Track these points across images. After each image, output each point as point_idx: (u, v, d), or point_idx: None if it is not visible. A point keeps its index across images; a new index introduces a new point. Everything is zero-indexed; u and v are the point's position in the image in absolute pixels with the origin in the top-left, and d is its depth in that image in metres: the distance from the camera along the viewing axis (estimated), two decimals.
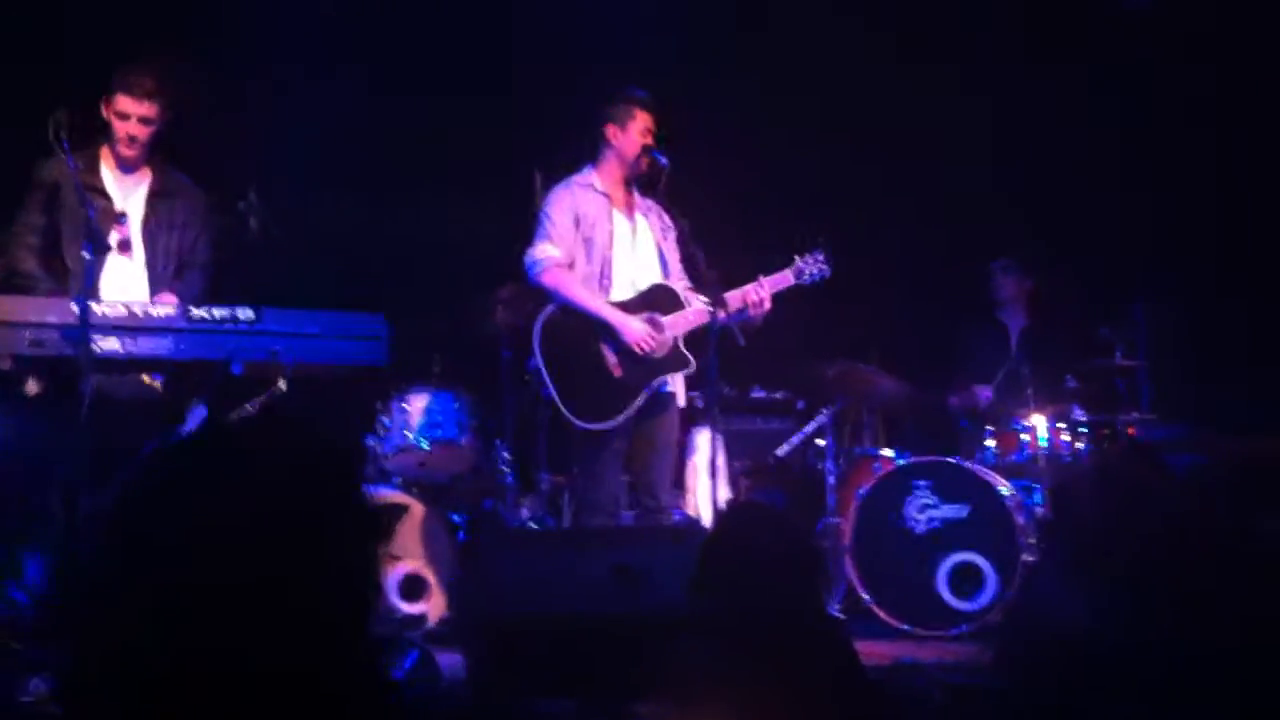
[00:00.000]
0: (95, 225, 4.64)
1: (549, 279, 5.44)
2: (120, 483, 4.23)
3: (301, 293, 4.75)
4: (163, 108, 5.09)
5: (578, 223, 5.50)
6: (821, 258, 5.66)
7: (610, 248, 5.54)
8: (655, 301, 5.52)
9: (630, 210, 5.65)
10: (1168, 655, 2.57)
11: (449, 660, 4.55)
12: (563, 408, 5.34)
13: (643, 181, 5.69)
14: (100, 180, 5.11)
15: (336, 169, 6.99)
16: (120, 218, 5.07)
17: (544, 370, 5.37)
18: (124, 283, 5.02)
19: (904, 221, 7.67)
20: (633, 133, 5.58)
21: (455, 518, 6.26)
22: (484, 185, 7.06)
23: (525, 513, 6.47)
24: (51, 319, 4.35)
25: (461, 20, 7.29)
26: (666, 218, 5.71)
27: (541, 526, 6.35)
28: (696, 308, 5.48)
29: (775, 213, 7.24)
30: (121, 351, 4.41)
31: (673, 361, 5.48)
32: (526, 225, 5.65)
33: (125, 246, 5.06)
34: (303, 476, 1.44)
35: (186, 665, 1.36)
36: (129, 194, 5.16)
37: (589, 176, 5.62)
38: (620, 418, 5.38)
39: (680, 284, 5.60)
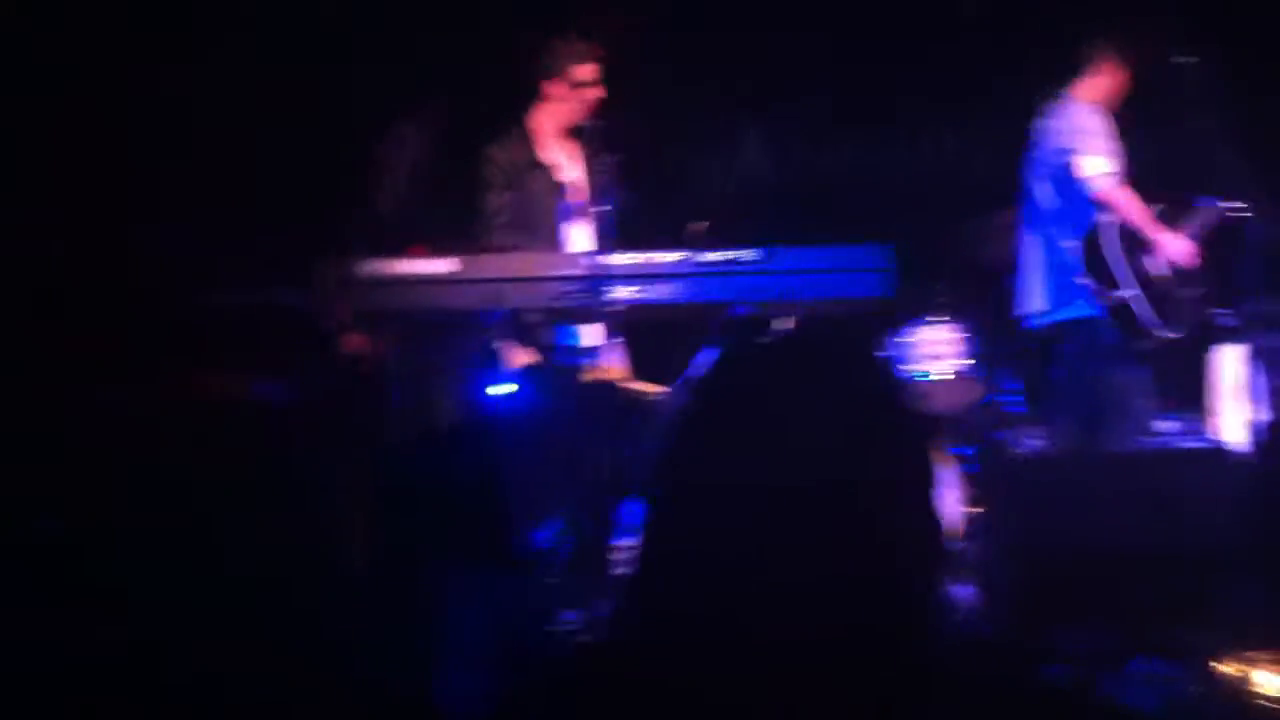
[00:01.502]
0: (558, 198, 4.83)
1: (1114, 193, 5.42)
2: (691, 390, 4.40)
3: (804, 229, 4.77)
4: (601, 58, 5.18)
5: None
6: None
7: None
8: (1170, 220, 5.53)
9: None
10: None
11: (963, 593, 4.48)
12: (1146, 315, 5.36)
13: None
14: (544, 154, 5.26)
15: (829, 108, 6.98)
16: (568, 187, 5.21)
17: (1127, 281, 5.36)
18: (582, 247, 5.18)
19: None
20: (1121, 78, 5.59)
21: (963, 450, 6.16)
22: (978, 113, 6.88)
23: (1035, 441, 6.29)
24: (571, 271, 4.57)
25: None
26: None
27: (1056, 455, 6.15)
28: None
29: None
30: (637, 298, 4.58)
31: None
32: (1017, 153, 5.53)
33: (578, 212, 5.20)
34: (871, 378, 1.42)
35: (753, 576, 1.37)
36: (570, 160, 5.31)
37: (1090, 94, 5.57)
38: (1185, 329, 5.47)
39: None
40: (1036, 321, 5.72)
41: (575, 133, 5.29)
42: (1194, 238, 5.54)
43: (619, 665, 1.51)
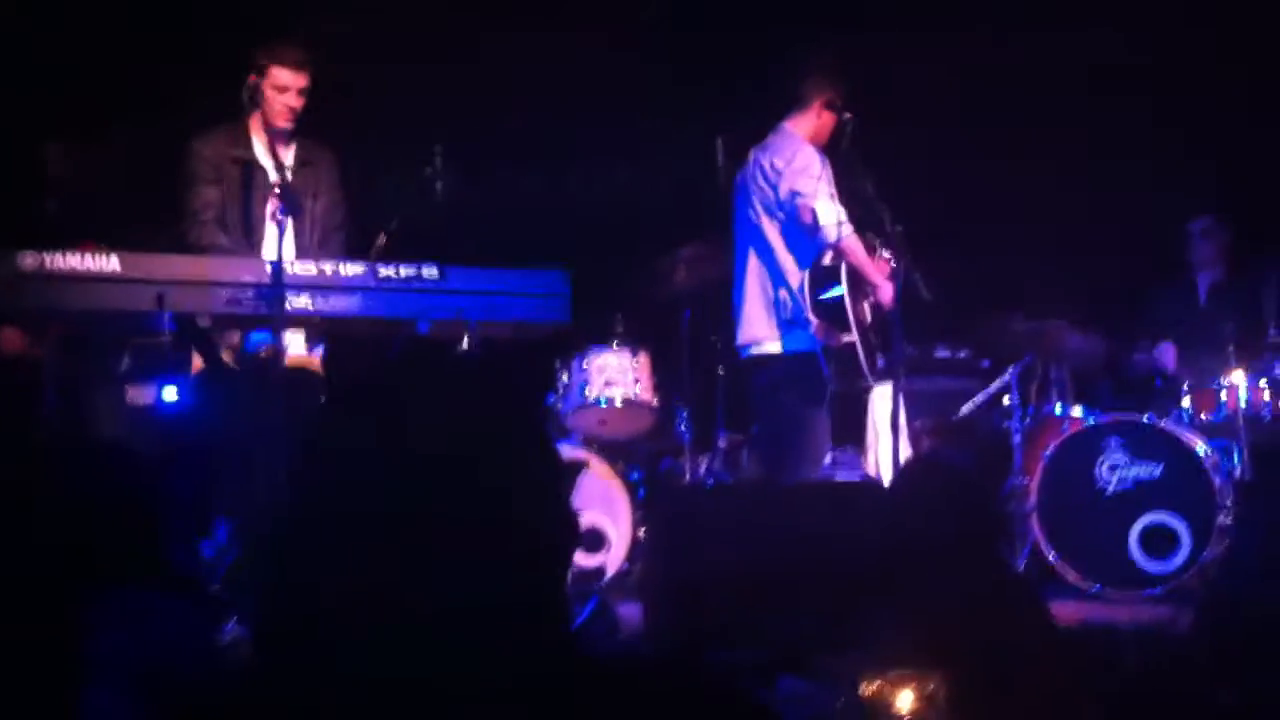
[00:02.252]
0: (259, 195, 4.75)
1: (850, 242, 5.53)
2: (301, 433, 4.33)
3: (486, 252, 4.79)
4: (312, 77, 5.15)
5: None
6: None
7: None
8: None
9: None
10: None
11: (627, 612, 4.59)
12: (864, 363, 5.44)
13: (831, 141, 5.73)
14: (253, 152, 5.18)
15: (521, 129, 7.04)
16: (274, 188, 5.13)
17: (855, 326, 5.46)
18: (276, 251, 5.10)
19: (1100, 179, 7.43)
20: (828, 118, 5.69)
21: (634, 475, 6.31)
22: (665, 146, 7.05)
23: (703, 470, 6.48)
24: (247, 278, 4.46)
25: None
26: None
27: (719, 484, 6.35)
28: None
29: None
30: (312, 309, 4.51)
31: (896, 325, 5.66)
32: (707, 188, 5.69)
33: (280, 215, 5.12)
34: (496, 407, 1.43)
35: (375, 603, 1.37)
36: (279, 163, 5.25)
37: (805, 130, 5.71)
38: (883, 376, 5.59)
39: None
40: (753, 351, 5.80)
41: (285, 136, 5.22)
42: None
43: (263, 687, 1.47)
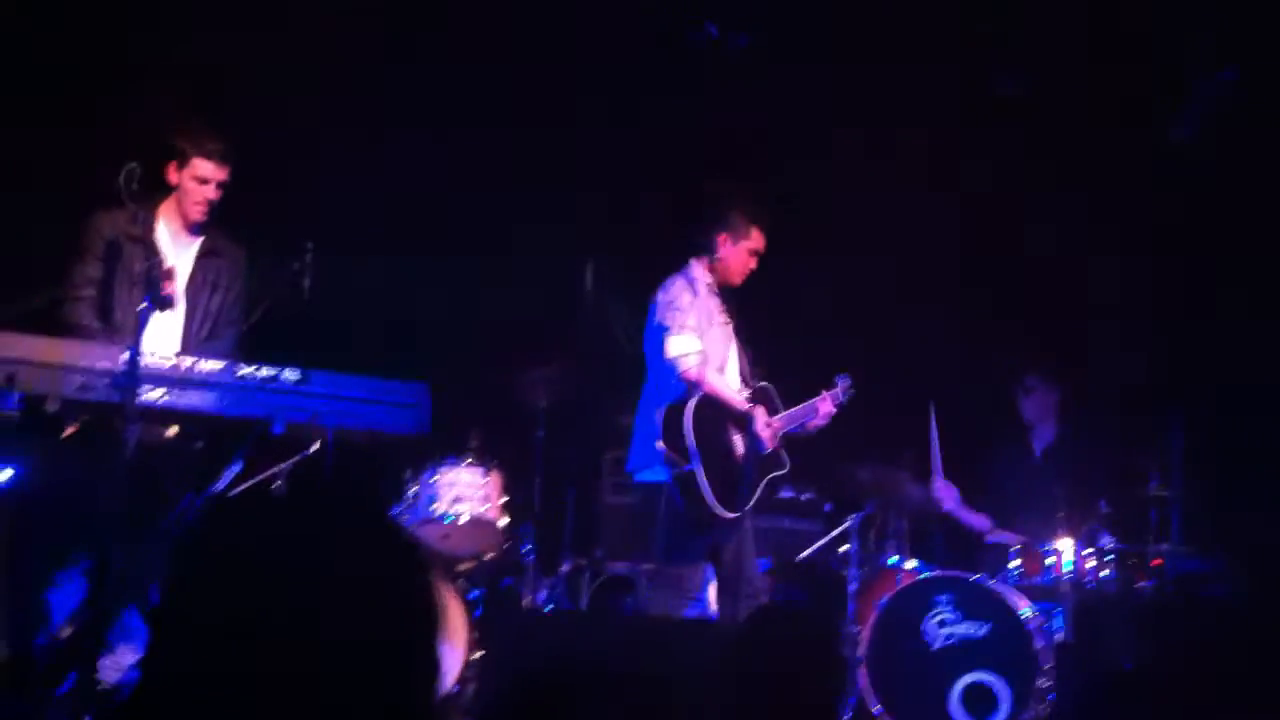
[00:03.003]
0: (155, 279, 4.69)
1: (697, 375, 5.64)
2: (164, 536, 4.24)
3: (345, 357, 4.77)
4: (231, 171, 5.17)
5: (708, 322, 5.76)
6: (849, 383, 6.13)
7: (726, 350, 5.87)
8: (760, 403, 5.81)
9: (725, 314, 5.91)
10: None
11: None
12: (707, 493, 5.47)
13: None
14: (153, 235, 5.15)
15: (388, 236, 7.05)
16: (170, 273, 5.09)
17: (696, 456, 5.50)
18: (160, 338, 5.02)
19: (936, 335, 7.71)
20: (743, 250, 5.79)
21: (472, 594, 6.24)
22: (532, 266, 7.12)
23: (543, 594, 6.45)
24: (101, 365, 4.36)
25: (523, 101, 7.35)
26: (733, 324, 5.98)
27: (558, 609, 6.33)
28: (804, 406, 5.94)
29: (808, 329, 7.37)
30: (165, 403, 4.42)
31: (778, 461, 5.85)
32: (574, 309, 5.76)
33: (169, 302, 5.06)
34: (375, 556, 1.45)
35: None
36: (180, 251, 5.22)
37: (703, 275, 5.87)
38: (747, 507, 5.66)
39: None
40: (636, 477, 5.87)
41: (194, 227, 5.20)
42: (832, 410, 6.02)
43: None
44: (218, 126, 5.26)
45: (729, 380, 5.85)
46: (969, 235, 7.68)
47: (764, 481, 5.77)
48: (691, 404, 5.58)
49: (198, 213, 5.17)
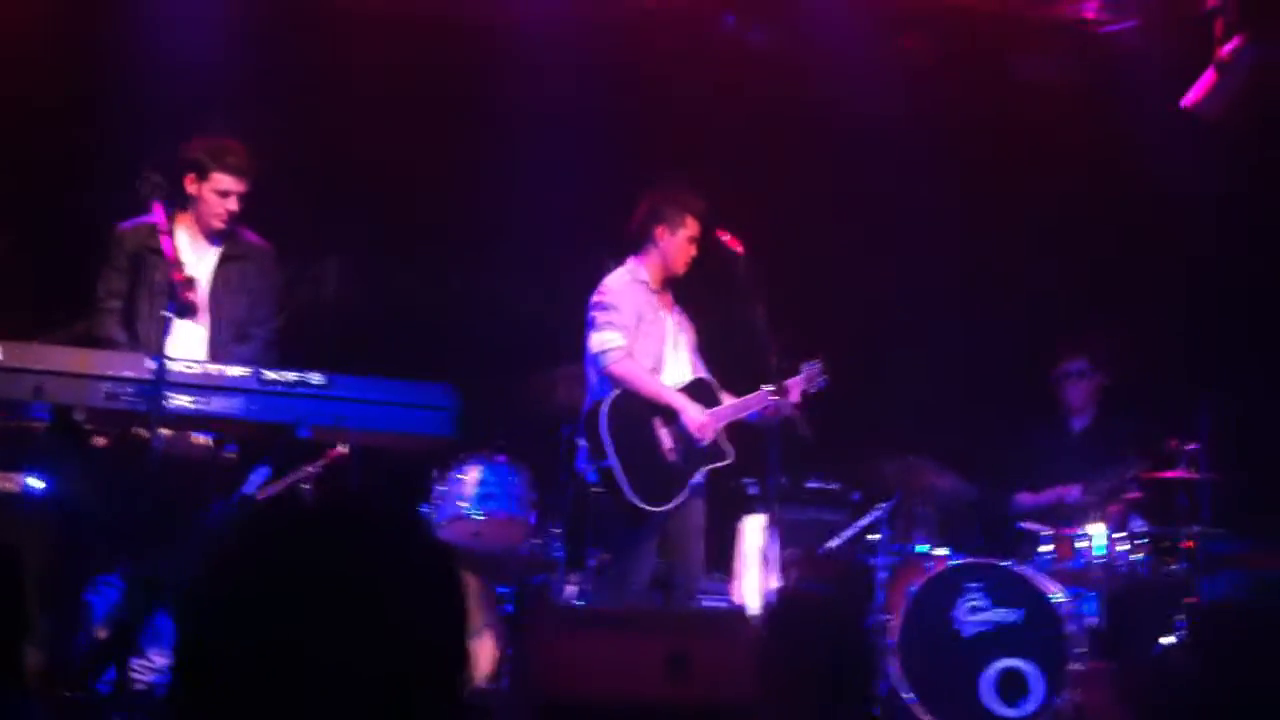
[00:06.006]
0: (178, 288, 4.72)
1: (619, 369, 5.64)
2: (195, 541, 4.27)
3: (371, 360, 4.80)
4: (251, 181, 5.20)
5: (639, 318, 5.72)
6: (817, 369, 6.06)
7: (662, 345, 5.84)
8: (698, 395, 5.80)
9: (670, 308, 5.95)
10: None
11: None
12: (625, 487, 5.45)
13: (714, 269, 5.88)
14: (182, 248, 5.15)
15: (410, 240, 7.08)
16: (191, 283, 5.11)
17: (611, 451, 5.49)
18: (187, 347, 5.04)
19: (973, 316, 7.69)
20: (681, 239, 5.80)
21: (502, 590, 6.27)
22: (554, 263, 7.14)
23: (573, 589, 6.47)
24: (128, 373, 4.42)
25: (539, 105, 7.35)
26: (684, 318, 6.00)
27: (588, 604, 6.34)
28: (748, 398, 5.81)
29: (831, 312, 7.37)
30: (193, 409, 4.47)
31: (717, 452, 5.75)
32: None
33: (192, 311, 5.09)
34: (405, 558, 1.47)
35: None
36: (201, 259, 5.24)
37: (640, 272, 5.87)
38: (675, 501, 5.61)
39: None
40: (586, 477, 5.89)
41: (217, 235, 5.24)
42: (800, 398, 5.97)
43: None
44: (237, 135, 5.29)
45: (676, 375, 5.85)
46: (1015, 228, 7.66)
47: (699, 473, 5.73)
48: (608, 399, 5.60)
49: (219, 222, 5.21)
